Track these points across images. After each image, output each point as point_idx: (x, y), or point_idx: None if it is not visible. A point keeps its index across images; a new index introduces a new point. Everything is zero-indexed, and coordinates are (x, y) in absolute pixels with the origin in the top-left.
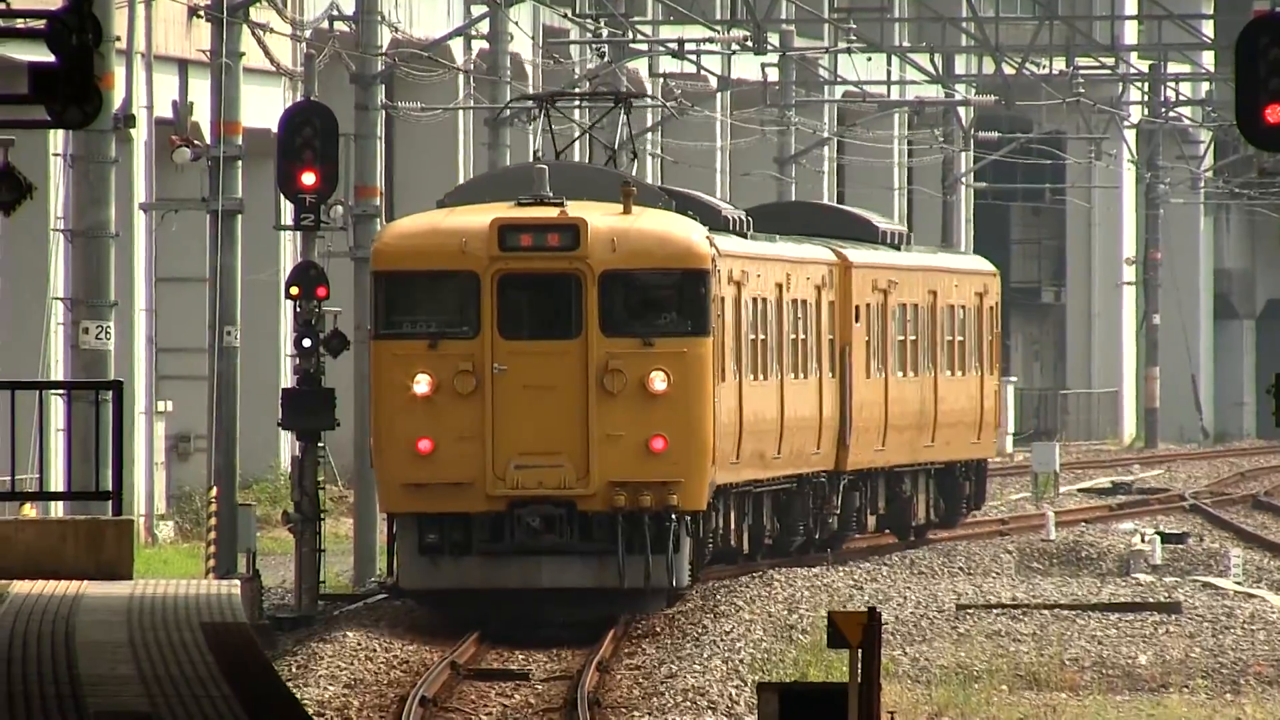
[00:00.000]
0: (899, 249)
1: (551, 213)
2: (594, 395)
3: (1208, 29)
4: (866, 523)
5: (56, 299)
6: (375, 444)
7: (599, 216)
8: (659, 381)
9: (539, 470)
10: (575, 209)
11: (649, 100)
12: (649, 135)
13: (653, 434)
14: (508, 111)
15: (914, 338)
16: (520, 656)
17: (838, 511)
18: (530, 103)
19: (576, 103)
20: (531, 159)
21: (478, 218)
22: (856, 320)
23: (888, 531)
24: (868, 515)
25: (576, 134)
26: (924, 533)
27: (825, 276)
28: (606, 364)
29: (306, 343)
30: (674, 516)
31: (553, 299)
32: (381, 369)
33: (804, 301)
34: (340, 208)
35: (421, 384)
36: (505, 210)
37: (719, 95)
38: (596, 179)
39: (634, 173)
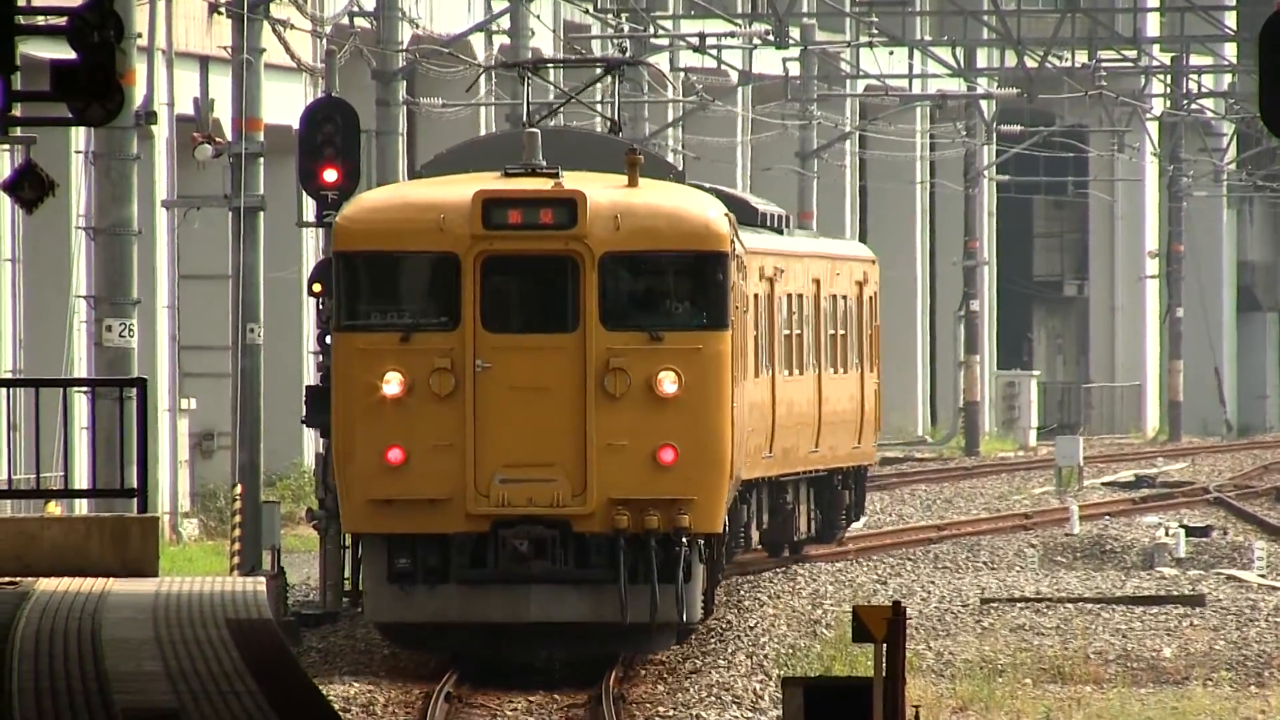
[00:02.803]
0: (781, 233)
1: (544, 185)
2: (593, 398)
3: (1230, 20)
4: (752, 538)
5: (79, 296)
6: (337, 453)
7: (600, 189)
8: (669, 383)
9: (528, 485)
10: (572, 180)
11: (669, 93)
12: (670, 130)
13: (661, 444)
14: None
15: (799, 331)
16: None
17: None
18: (548, 98)
19: (563, 71)
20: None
21: (458, 190)
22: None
23: (759, 547)
24: (753, 530)
25: (571, 103)
26: (801, 548)
27: None
28: (608, 362)
29: (329, 339)
30: (685, 540)
31: (545, 286)
32: (346, 366)
33: None
34: None
35: (392, 384)
36: (490, 181)
37: (740, 90)
38: (597, 147)
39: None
